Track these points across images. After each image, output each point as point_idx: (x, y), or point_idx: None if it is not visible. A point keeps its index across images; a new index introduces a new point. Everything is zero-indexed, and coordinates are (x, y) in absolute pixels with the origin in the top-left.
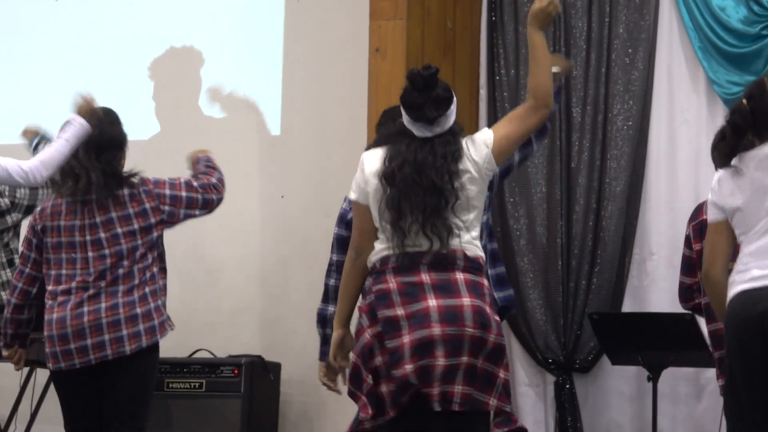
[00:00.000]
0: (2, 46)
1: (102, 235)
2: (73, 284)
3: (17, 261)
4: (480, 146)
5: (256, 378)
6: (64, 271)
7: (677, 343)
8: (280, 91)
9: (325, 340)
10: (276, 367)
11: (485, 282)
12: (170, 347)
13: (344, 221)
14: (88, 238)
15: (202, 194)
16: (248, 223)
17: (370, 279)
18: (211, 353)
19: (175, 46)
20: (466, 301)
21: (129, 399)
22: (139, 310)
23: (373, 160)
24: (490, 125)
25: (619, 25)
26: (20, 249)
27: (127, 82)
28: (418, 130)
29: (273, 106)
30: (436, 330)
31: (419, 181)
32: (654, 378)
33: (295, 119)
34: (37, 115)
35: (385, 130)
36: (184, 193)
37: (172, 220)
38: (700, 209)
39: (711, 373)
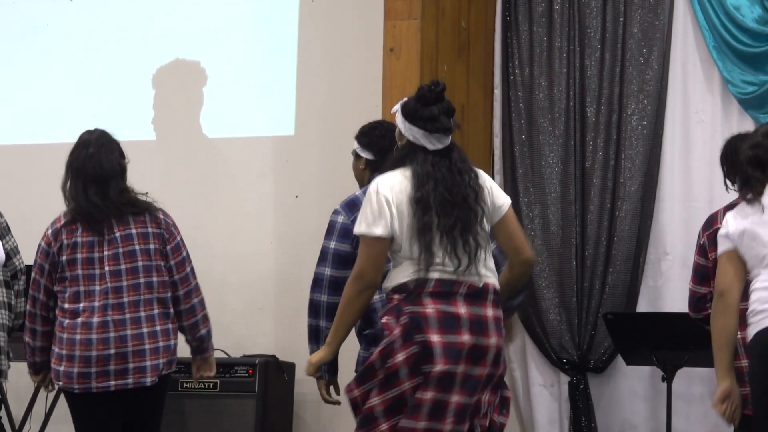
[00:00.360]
0: (19, 46)
1: (120, 250)
2: (96, 303)
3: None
4: (497, 198)
5: (271, 378)
6: (82, 288)
7: (692, 342)
8: (294, 91)
9: None
10: (290, 367)
11: (502, 313)
12: (185, 347)
13: (349, 236)
14: (106, 253)
15: (191, 269)
16: (262, 223)
17: (396, 297)
18: (226, 353)
19: (188, 48)
20: (493, 341)
21: (146, 426)
22: (161, 344)
23: (394, 187)
24: (504, 125)
25: (634, 24)
26: (32, 276)
27: (143, 81)
28: (431, 143)
29: (287, 106)
30: (461, 368)
31: (451, 198)
32: (668, 378)
33: (309, 119)
34: (54, 114)
35: (366, 140)
36: (184, 253)
37: (164, 262)
38: (714, 218)
39: None
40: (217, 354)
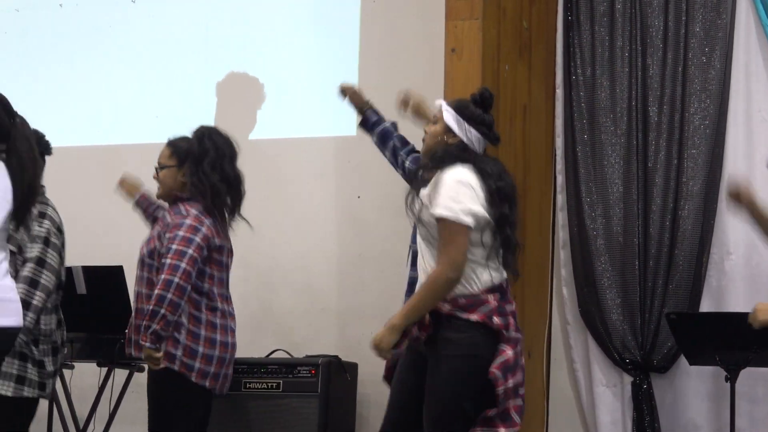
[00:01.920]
0: (82, 48)
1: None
2: (228, 307)
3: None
4: None
5: (333, 378)
6: (224, 291)
7: (755, 342)
8: None
9: None
10: (353, 367)
11: None
12: (247, 347)
13: None
14: (228, 260)
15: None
16: (324, 224)
17: (492, 296)
18: (288, 353)
19: (250, 49)
20: None
21: None
22: None
23: (475, 181)
24: (566, 125)
25: (696, 23)
26: (181, 266)
27: (205, 81)
28: (480, 148)
29: (349, 107)
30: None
31: (512, 195)
32: (732, 378)
33: None
34: (117, 115)
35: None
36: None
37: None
38: None
39: None
40: (280, 354)
